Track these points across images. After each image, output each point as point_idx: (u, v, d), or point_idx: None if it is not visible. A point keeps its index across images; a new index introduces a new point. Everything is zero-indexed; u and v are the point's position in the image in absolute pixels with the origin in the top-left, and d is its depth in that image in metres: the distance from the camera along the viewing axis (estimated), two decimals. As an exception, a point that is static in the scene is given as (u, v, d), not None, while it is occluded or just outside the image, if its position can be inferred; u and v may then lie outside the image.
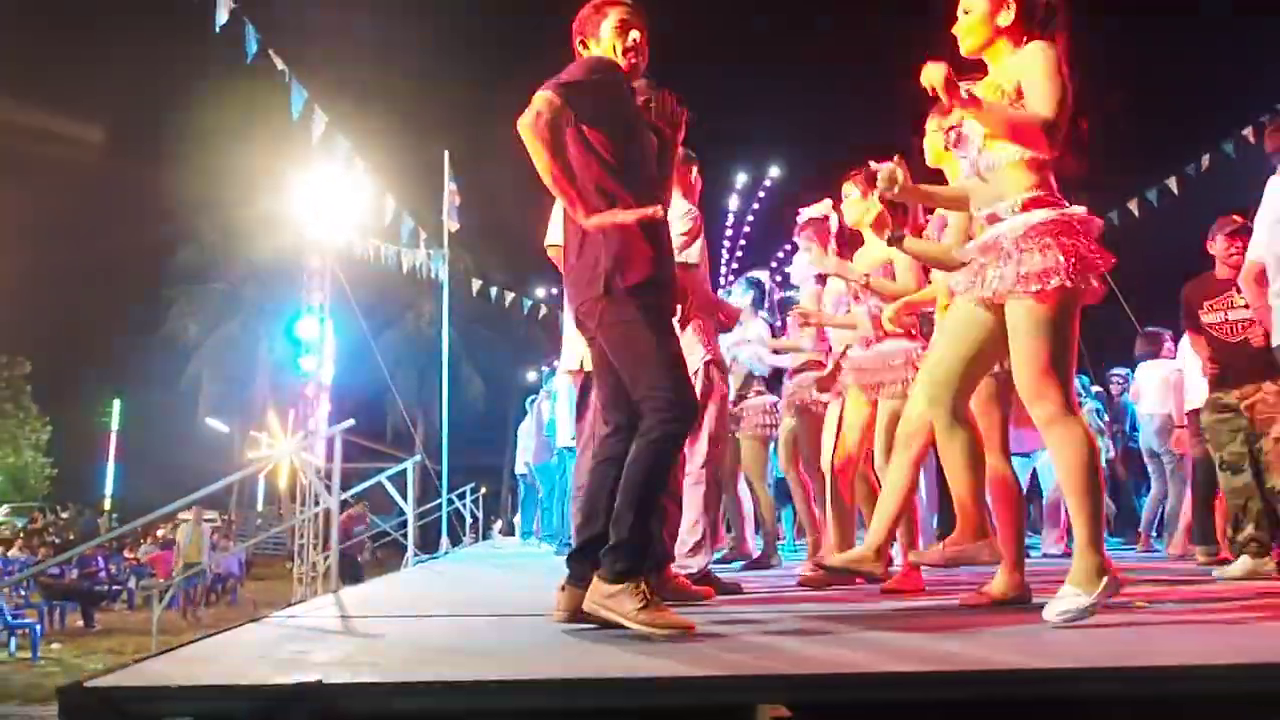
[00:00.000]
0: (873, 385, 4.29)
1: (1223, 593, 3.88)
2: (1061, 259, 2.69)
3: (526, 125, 2.67)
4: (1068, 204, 2.83)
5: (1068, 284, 2.69)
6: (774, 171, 24.39)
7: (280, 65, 9.41)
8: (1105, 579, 2.64)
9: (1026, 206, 2.79)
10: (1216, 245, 5.19)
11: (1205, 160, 13.99)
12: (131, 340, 33.90)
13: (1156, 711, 1.97)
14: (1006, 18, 2.89)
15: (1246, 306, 4.76)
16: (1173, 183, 14.11)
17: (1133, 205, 14.25)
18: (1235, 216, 5.13)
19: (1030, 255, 2.72)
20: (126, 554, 17.50)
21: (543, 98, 2.70)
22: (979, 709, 1.95)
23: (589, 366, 3.38)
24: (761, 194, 24.84)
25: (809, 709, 1.82)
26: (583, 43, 3.06)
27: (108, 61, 36.82)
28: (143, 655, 2.72)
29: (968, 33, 2.96)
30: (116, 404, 38.48)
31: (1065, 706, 1.97)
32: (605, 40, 3.02)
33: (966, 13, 2.96)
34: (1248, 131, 13.69)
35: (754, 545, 6.32)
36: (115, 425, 38.50)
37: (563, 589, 2.83)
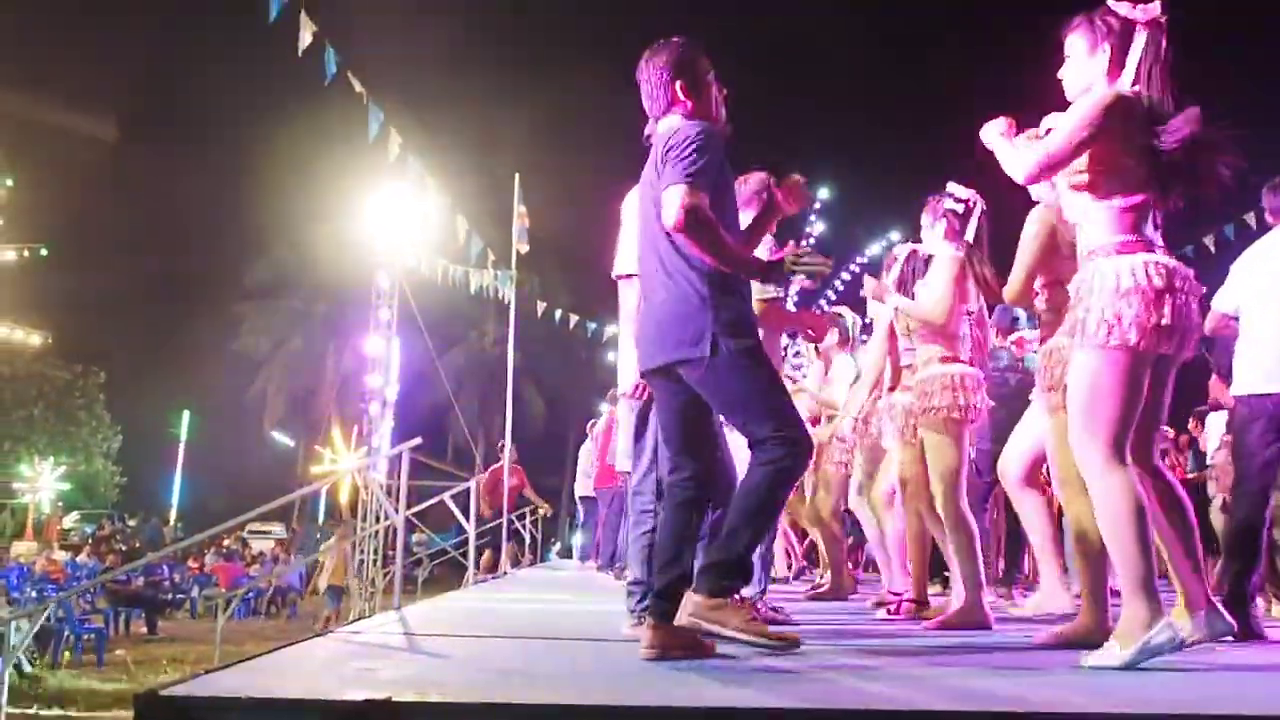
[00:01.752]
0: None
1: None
2: (1126, 312, 2.57)
3: (680, 229, 2.74)
4: (1157, 251, 2.67)
5: (1127, 340, 2.57)
6: (823, 193, 24.35)
7: (358, 88, 9.61)
8: (1153, 630, 2.50)
9: (1104, 253, 2.68)
10: None
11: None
12: (202, 353, 34.79)
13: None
14: (1102, 61, 2.81)
15: None
16: (1250, 218, 13.72)
17: (1209, 240, 13.90)
18: None
19: (1095, 304, 2.62)
20: (190, 564, 17.86)
21: (681, 193, 2.73)
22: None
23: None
24: (812, 216, 24.82)
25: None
26: (684, 87, 3.00)
27: (189, 81, 38.06)
28: (211, 666, 2.76)
29: (1069, 76, 2.90)
30: (185, 415, 39.43)
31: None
32: (704, 88, 3.03)
33: (1069, 56, 2.90)
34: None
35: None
36: (184, 436, 39.44)
37: (652, 627, 2.79)
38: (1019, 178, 2.85)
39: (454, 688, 2.26)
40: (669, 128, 2.95)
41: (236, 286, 34.54)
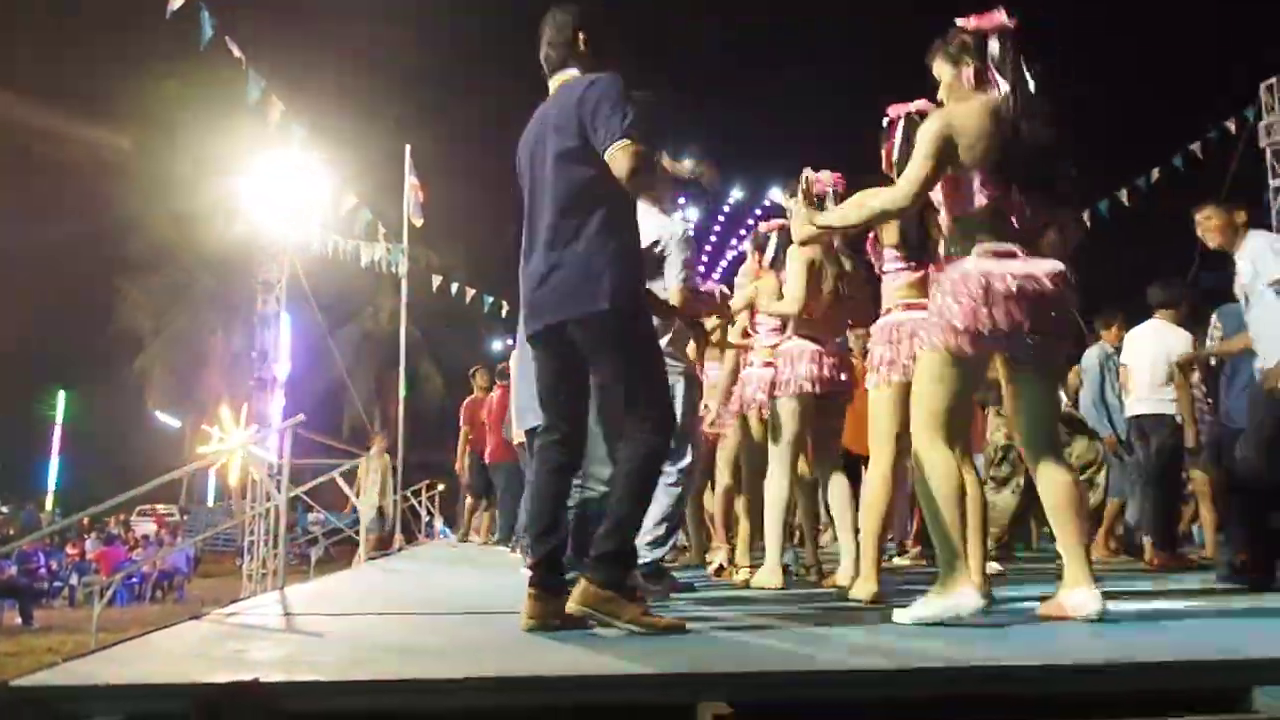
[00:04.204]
0: None
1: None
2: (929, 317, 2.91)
3: (637, 183, 2.78)
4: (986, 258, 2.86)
5: (929, 343, 2.88)
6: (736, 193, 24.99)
7: (237, 53, 9.26)
8: (957, 593, 2.75)
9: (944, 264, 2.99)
10: None
11: (1155, 174, 14.27)
12: (79, 331, 33.23)
13: (1085, 708, 1.98)
14: (969, 80, 2.95)
15: None
16: (1124, 194, 14.37)
17: (1085, 216, 14.48)
18: None
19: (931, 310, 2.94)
20: (69, 550, 17.14)
21: (632, 147, 2.72)
22: (918, 707, 1.96)
23: None
24: (727, 207, 25.38)
25: (749, 707, 1.81)
26: (586, 40, 3.00)
27: (54, 43, 35.98)
28: (76, 654, 2.66)
29: (940, 100, 3.05)
30: (61, 396, 37.71)
31: (1005, 701, 1.98)
32: (606, 51, 3.03)
33: (939, 81, 3.05)
34: (1196, 146, 14.01)
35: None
36: (60, 418, 37.75)
37: (534, 598, 2.80)
38: (897, 211, 3.08)
39: (328, 666, 2.22)
40: (578, 80, 2.92)
41: (113, 260, 32.99)
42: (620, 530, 2.76)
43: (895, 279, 3.81)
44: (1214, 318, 5.63)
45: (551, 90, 3.04)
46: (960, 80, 2.96)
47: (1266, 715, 1.86)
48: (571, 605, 2.69)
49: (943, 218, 3.01)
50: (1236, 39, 24.53)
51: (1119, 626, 2.73)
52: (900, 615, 2.82)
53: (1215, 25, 26.67)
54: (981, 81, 2.93)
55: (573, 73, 2.99)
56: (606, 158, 2.75)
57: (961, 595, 2.75)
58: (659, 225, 4.20)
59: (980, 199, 2.86)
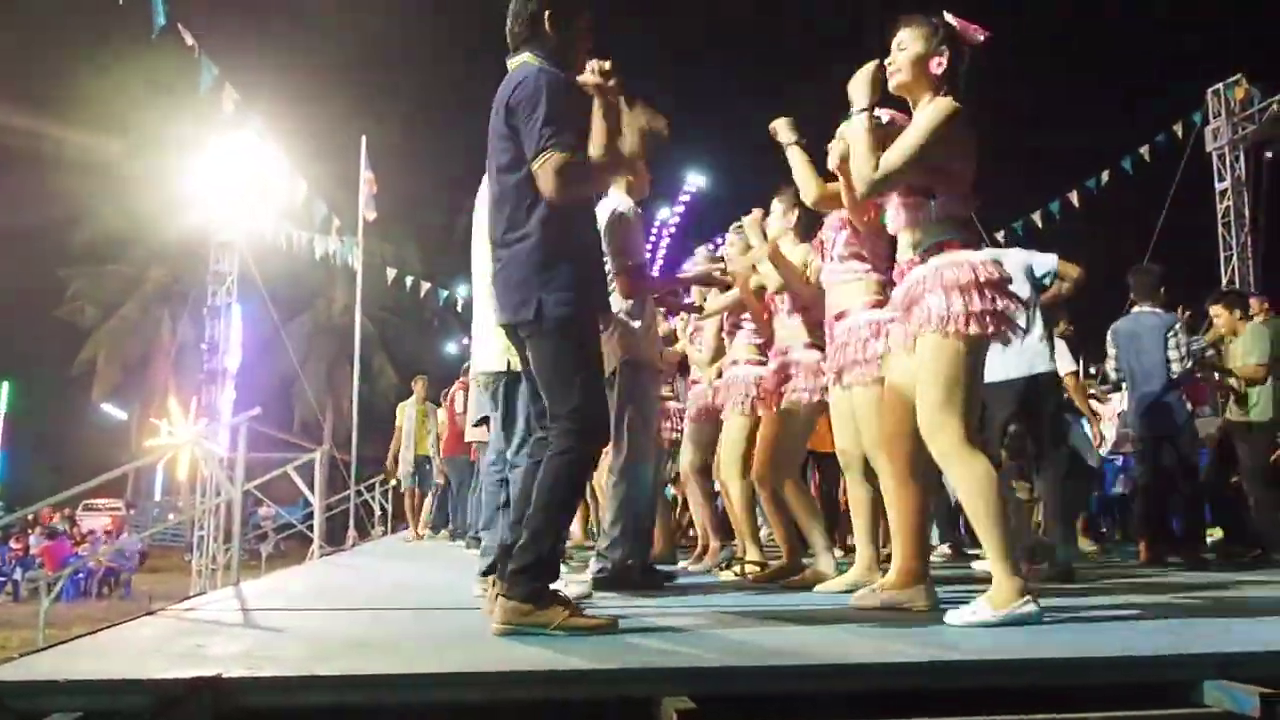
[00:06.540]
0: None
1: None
2: (964, 307, 2.78)
3: (562, 199, 2.72)
4: (976, 246, 2.94)
5: (969, 330, 2.78)
6: (701, 180, 25.04)
7: (190, 40, 9.12)
8: (1019, 603, 2.68)
9: (933, 251, 2.91)
10: None
11: (1105, 175, 14.56)
12: (23, 321, 32.38)
13: (1040, 702, 2.04)
14: (938, 66, 2.97)
15: None
16: (1074, 196, 14.64)
17: (1036, 217, 14.78)
18: None
19: (937, 298, 2.82)
20: (13, 544, 16.76)
21: (552, 161, 2.67)
22: (876, 700, 2.00)
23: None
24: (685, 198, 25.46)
25: (712, 701, 1.84)
26: (551, 17, 2.89)
27: (7, 30, 35.04)
28: (30, 649, 2.63)
29: (898, 69, 3.02)
30: (5, 387, 36.79)
31: (960, 696, 2.03)
32: (573, 31, 2.95)
33: (902, 49, 3.02)
34: (1144, 150, 14.32)
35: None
36: (2, 410, 36.83)
37: (498, 596, 2.72)
38: (851, 201, 3.11)
39: (290, 661, 2.22)
40: (518, 69, 2.87)
41: (60, 250, 32.22)
42: (535, 543, 2.66)
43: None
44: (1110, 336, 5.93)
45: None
46: (929, 66, 2.97)
47: (1217, 709, 1.92)
48: (495, 628, 2.59)
49: (923, 207, 3.01)
50: (1183, 44, 25.12)
51: (1074, 622, 2.79)
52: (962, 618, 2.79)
53: (1163, 31, 27.27)
54: (950, 78, 2.96)
55: (524, 57, 2.90)
56: (535, 174, 2.74)
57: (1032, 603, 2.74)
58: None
59: (965, 189, 2.99)
